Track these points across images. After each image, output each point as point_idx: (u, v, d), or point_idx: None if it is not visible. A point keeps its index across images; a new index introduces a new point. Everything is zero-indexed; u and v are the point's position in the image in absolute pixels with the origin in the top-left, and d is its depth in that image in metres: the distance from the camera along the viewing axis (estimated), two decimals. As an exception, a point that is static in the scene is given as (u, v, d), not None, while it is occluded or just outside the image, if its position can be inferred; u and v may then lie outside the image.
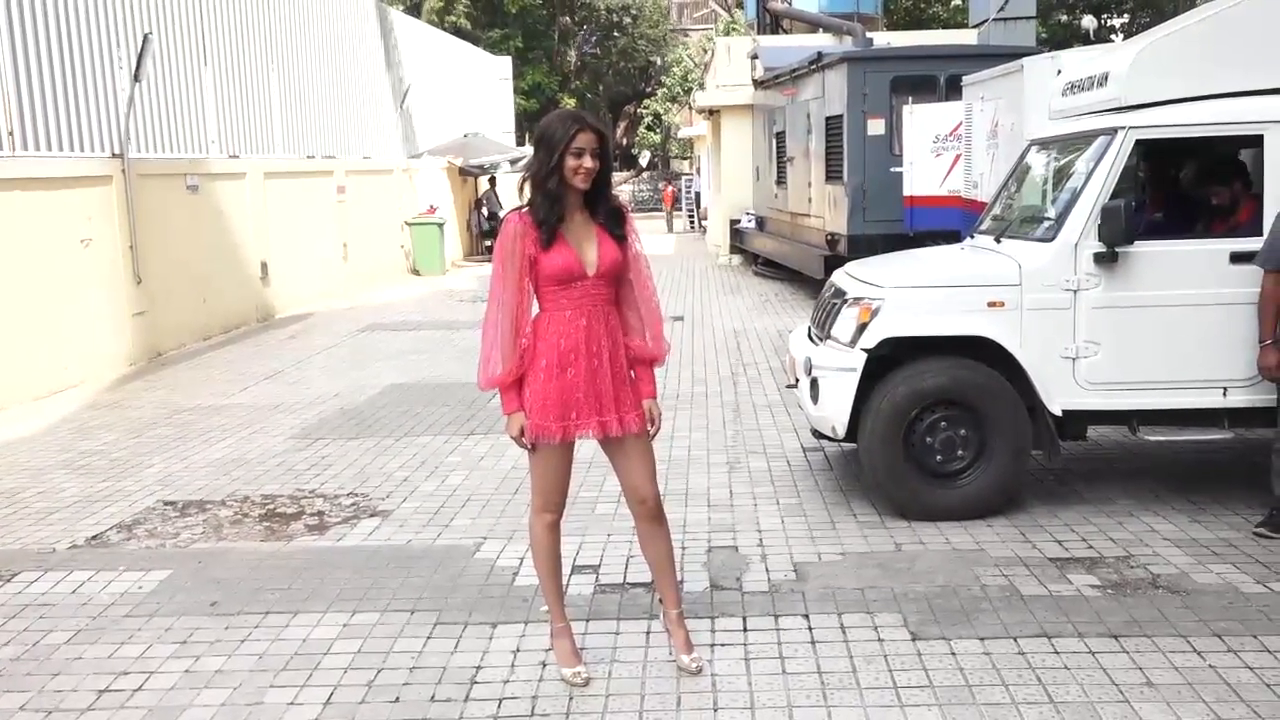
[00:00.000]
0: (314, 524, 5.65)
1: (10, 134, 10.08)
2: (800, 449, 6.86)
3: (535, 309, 3.69)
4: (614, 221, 3.65)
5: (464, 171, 22.97)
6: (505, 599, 4.55)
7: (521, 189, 3.64)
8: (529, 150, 4.15)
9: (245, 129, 15.51)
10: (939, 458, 5.36)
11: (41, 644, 4.24)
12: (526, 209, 3.60)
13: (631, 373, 3.75)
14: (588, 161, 3.51)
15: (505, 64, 32.44)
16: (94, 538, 5.51)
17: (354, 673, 3.91)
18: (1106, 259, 5.19)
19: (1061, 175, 5.86)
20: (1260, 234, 5.11)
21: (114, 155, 11.01)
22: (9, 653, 4.17)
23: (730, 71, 21.36)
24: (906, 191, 11.91)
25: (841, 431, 5.48)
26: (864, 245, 11.78)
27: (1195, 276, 5.23)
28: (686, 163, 46.95)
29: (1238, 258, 5.17)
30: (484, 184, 23.84)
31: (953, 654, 3.92)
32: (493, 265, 3.67)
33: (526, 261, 3.57)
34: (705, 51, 37.10)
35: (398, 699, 3.72)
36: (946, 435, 5.34)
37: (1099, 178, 5.27)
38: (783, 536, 5.24)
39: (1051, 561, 4.81)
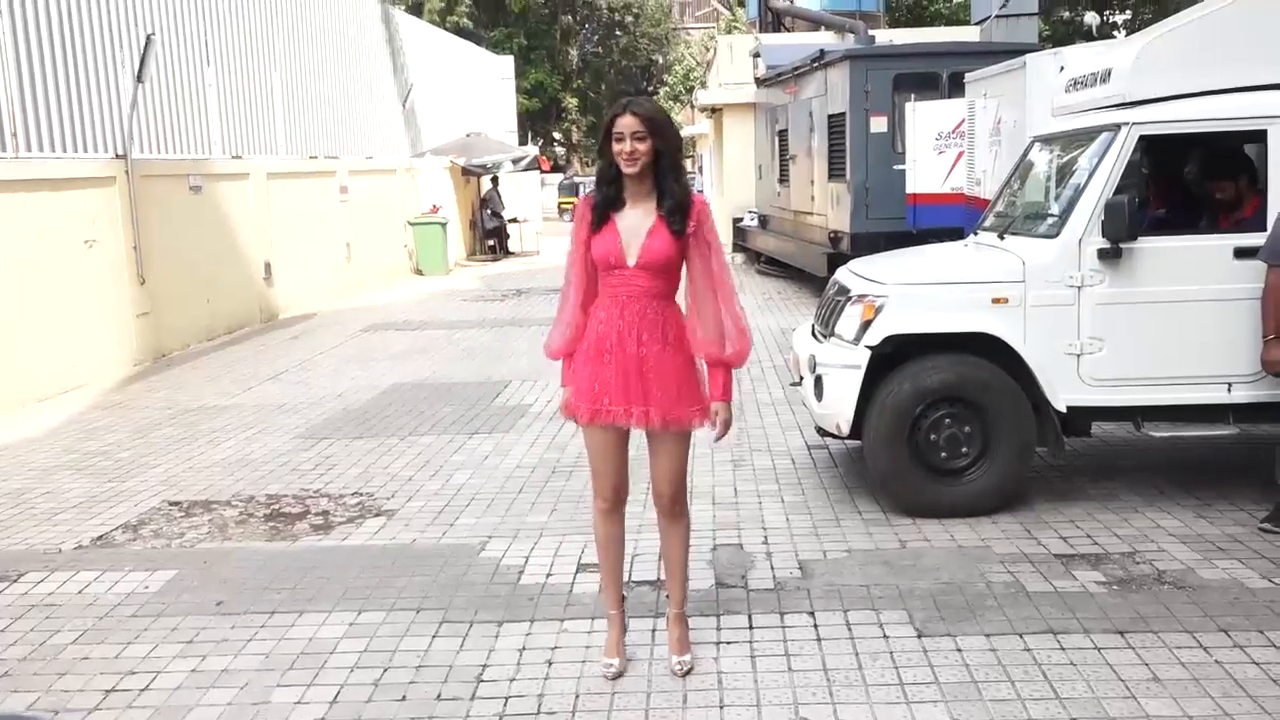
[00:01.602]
0: (319, 524, 5.66)
1: (14, 135, 10.11)
2: (804, 446, 6.86)
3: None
4: (674, 215, 3.61)
5: (466, 171, 22.95)
6: (511, 597, 4.55)
7: None
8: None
9: (248, 129, 15.55)
10: (943, 455, 5.35)
11: (48, 644, 4.25)
12: (593, 191, 3.72)
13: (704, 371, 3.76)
14: (627, 145, 3.53)
15: (507, 63, 32.47)
16: (99, 538, 5.52)
17: (360, 671, 3.92)
18: (1110, 255, 5.19)
19: (1065, 172, 5.86)
20: (1264, 229, 5.10)
21: (117, 156, 11.02)
22: (16, 653, 4.18)
23: (732, 70, 21.33)
24: (909, 189, 11.87)
25: (846, 429, 5.47)
26: (867, 243, 11.74)
27: (1199, 272, 5.22)
28: (689, 161, 46.97)
29: (1242, 253, 5.16)
30: (486, 184, 23.83)
31: (959, 651, 3.92)
32: None
33: (582, 244, 3.68)
34: (707, 50, 37.13)
35: (404, 698, 3.72)
36: (951, 432, 5.33)
37: (1103, 174, 5.27)
38: (787, 534, 5.24)
39: (1057, 558, 4.81)
